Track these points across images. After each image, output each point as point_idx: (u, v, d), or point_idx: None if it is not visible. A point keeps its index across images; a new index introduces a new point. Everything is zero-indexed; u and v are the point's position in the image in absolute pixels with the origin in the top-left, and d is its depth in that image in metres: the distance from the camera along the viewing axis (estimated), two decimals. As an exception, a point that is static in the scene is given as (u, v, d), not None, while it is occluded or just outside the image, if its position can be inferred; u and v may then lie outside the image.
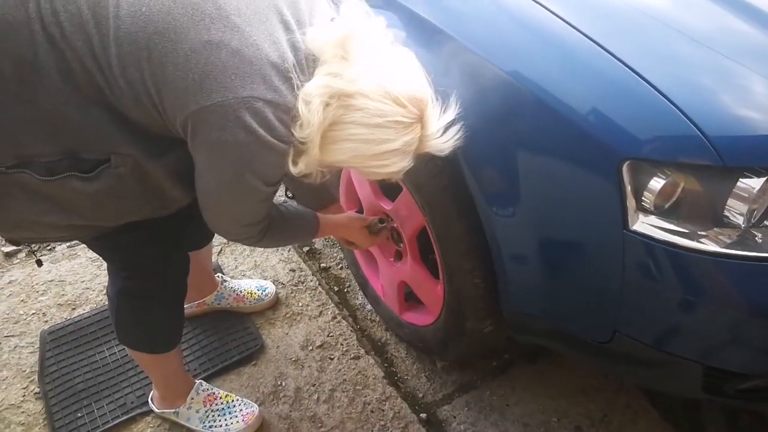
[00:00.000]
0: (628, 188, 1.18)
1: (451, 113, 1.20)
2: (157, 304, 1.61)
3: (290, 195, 1.85)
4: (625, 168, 1.17)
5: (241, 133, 1.07)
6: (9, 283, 2.41)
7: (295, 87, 1.10)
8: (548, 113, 1.25)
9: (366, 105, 1.08)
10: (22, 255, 2.57)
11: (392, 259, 1.99)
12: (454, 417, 1.92)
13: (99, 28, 1.04)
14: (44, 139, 1.12)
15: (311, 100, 1.08)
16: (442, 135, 1.19)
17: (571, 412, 1.91)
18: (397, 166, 1.17)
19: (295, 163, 1.16)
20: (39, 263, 1.58)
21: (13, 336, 2.21)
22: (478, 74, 1.38)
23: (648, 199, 1.18)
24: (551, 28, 1.31)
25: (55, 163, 1.15)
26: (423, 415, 1.92)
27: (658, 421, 1.87)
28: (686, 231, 1.18)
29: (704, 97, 1.18)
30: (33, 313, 2.29)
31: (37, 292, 2.37)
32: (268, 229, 1.38)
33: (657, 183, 1.16)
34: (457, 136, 1.21)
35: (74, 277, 2.42)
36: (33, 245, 1.52)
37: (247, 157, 1.11)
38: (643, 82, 1.17)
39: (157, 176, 1.24)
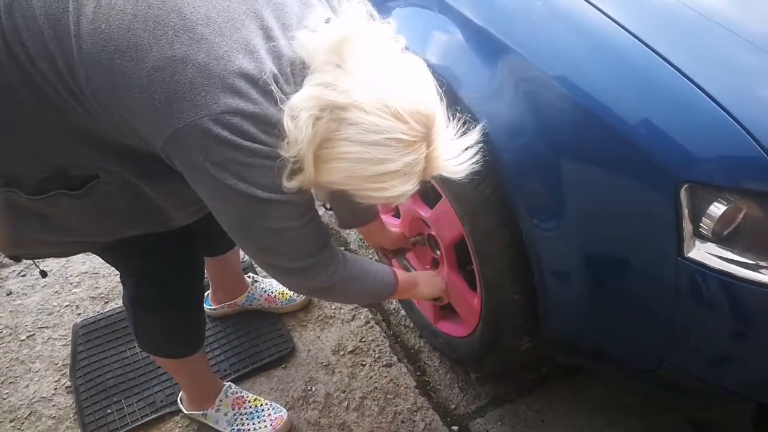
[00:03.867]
0: (686, 213, 1.10)
1: (472, 138, 1.08)
2: (172, 311, 1.58)
3: (329, 207, 1.77)
4: (683, 192, 1.09)
5: (226, 150, 0.96)
6: (44, 273, 2.42)
7: (278, 101, 0.97)
8: (598, 125, 1.17)
9: (361, 119, 0.95)
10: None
11: (428, 266, 1.94)
12: (487, 431, 1.86)
13: (62, 48, 0.96)
14: (28, 159, 1.08)
15: (298, 114, 0.95)
16: (457, 157, 1.07)
17: (609, 430, 1.84)
18: (398, 190, 1.03)
19: (289, 179, 1.03)
20: (43, 274, 1.53)
21: (46, 327, 2.21)
22: (524, 79, 1.31)
23: (706, 225, 1.10)
24: (603, 32, 1.22)
25: (44, 180, 1.11)
26: (455, 428, 1.87)
27: (700, 446, 1.80)
28: (746, 261, 1.10)
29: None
30: (66, 305, 2.30)
31: (71, 284, 2.38)
32: (336, 272, 1.24)
33: (717, 209, 1.08)
34: (475, 160, 1.08)
35: (108, 270, 2.41)
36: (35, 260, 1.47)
37: (242, 171, 1.00)
38: (705, 96, 1.08)
39: (151, 194, 1.18)
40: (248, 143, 0.97)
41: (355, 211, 1.73)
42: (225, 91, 0.94)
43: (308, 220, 1.15)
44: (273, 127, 0.98)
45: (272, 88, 0.97)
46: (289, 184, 1.03)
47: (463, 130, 1.09)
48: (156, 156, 1.05)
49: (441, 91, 1.06)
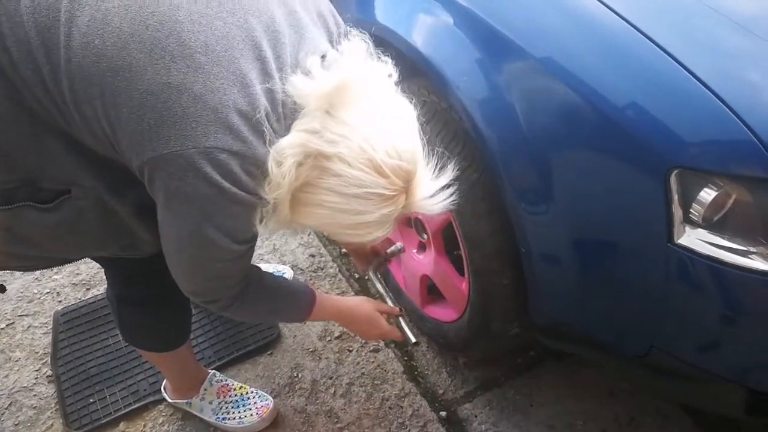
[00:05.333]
0: (676, 198, 1.08)
1: (447, 177, 1.07)
2: (159, 309, 1.54)
3: None
4: (673, 177, 1.06)
5: (202, 185, 0.95)
6: (24, 260, 2.37)
7: (267, 142, 0.97)
8: (588, 109, 1.15)
9: (344, 172, 0.96)
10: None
11: (415, 250, 1.91)
12: (475, 416, 1.85)
13: (49, 57, 0.94)
14: None
15: (284, 160, 0.95)
16: (433, 197, 1.07)
17: (597, 414, 1.83)
18: (373, 235, 1.06)
19: (262, 221, 1.04)
20: (2, 288, 1.46)
21: (26, 315, 2.17)
22: (512, 62, 1.29)
23: (696, 211, 1.08)
24: (593, 16, 1.20)
25: (11, 190, 1.07)
26: (443, 413, 1.85)
27: (690, 429, 1.79)
28: (736, 247, 1.08)
29: (761, 98, 1.06)
30: (47, 293, 2.26)
31: (52, 270, 2.33)
32: (241, 298, 1.23)
33: (707, 195, 1.06)
34: (450, 200, 1.08)
35: (89, 256, 2.37)
36: None
37: (209, 210, 1.00)
38: (695, 80, 1.05)
39: (123, 214, 1.15)
40: (227, 184, 0.96)
41: None
42: (216, 125, 0.93)
43: (249, 255, 1.17)
44: (257, 168, 0.98)
45: (264, 128, 0.96)
46: (264, 229, 1.05)
47: (440, 166, 1.08)
48: (132, 173, 1.03)
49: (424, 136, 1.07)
